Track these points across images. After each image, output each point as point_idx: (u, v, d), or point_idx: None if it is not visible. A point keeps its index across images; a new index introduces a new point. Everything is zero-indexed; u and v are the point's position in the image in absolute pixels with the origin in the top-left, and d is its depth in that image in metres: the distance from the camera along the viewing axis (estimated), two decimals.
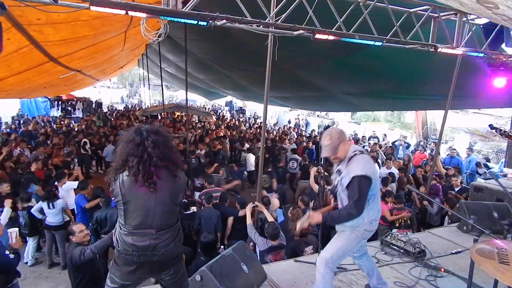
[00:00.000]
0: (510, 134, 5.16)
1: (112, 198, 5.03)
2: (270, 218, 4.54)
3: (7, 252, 3.61)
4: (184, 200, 5.49)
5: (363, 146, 13.34)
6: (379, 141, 14.55)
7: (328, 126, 6.62)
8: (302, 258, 4.05)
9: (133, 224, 2.32)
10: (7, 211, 5.03)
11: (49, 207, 5.60)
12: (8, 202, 5.15)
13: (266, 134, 8.64)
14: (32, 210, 5.64)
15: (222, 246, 5.18)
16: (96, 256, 3.96)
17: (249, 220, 4.59)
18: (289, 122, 22.72)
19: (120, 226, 2.38)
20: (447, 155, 10.85)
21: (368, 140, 15.11)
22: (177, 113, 19.20)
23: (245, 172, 10.28)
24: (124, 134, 2.51)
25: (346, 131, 2.80)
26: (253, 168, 10.09)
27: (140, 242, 2.32)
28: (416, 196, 6.67)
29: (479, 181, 7.05)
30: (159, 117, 17.15)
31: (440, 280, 3.56)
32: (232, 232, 5.53)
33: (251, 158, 10.27)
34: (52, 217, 5.68)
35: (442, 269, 3.73)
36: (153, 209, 2.32)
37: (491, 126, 5.52)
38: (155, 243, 2.34)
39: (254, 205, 4.80)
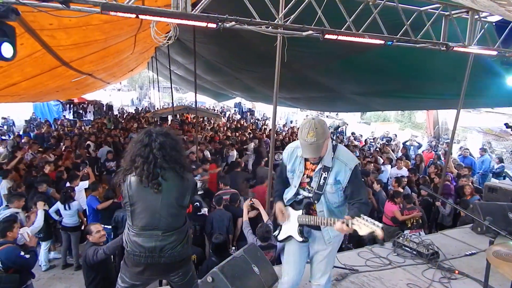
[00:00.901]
0: None
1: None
2: (265, 217, 4.55)
3: (22, 253, 3.68)
4: (197, 203, 5.50)
5: (375, 147, 13.24)
6: (391, 141, 14.41)
7: (338, 127, 6.55)
8: None
9: (140, 225, 2.35)
10: (41, 213, 5.11)
11: (65, 208, 5.69)
12: (41, 204, 5.24)
13: (275, 135, 8.61)
14: (50, 211, 5.71)
15: (233, 247, 5.19)
16: (110, 257, 4.03)
17: (245, 217, 4.60)
18: (291, 122, 22.72)
19: (128, 227, 2.42)
20: (459, 155, 10.69)
21: (382, 140, 14.99)
22: (187, 115, 19.29)
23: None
24: (135, 136, 2.54)
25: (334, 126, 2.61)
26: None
27: (147, 243, 2.35)
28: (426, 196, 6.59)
29: (493, 181, 6.91)
30: (169, 119, 17.26)
31: (454, 283, 3.51)
32: (242, 233, 5.53)
33: (234, 154, 10.33)
34: (68, 218, 5.77)
35: (457, 271, 3.67)
36: (159, 210, 2.34)
37: (507, 125, 5.41)
38: (162, 244, 2.36)
39: (252, 202, 4.82)
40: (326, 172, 2.49)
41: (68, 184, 6.39)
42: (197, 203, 5.52)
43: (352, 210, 2.41)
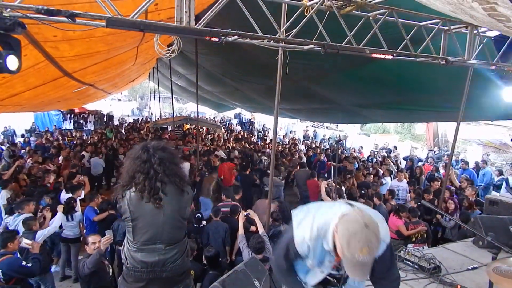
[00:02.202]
0: None
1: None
2: (260, 229, 4.52)
3: (23, 263, 3.68)
4: (198, 214, 5.49)
5: (375, 158, 13.22)
6: (390, 153, 14.42)
7: (340, 140, 6.54)
8: None
9: (142, 240, 2.35)
10: (60, 215, 5.19)
11: (67, 220, 5.64)
12: (60, 207, 5.36)
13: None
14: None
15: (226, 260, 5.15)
16: (104, 269, 4.02)
17: (240, 230, 4.57)
18: (290, 132, 22.76)
19: (129, 243, 2.40)
20: (459, 168, 10.69)
21: (382, 151, 15.00)
22: (187, 126, 19.32)
23: None
24: (131, 151, 2.54)
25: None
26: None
27: (149, 258, 2.34)
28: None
29: (494, 194, 6.90)
30: (169, 130, 17.28)
31: None
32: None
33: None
34: (70, 230, 5.73)
35: (459, 286, 3.63)
36: (161, 224, 2.35)
37: None
38: (164, 258, 2.36)
39: (247, 213, 4.80)
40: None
41: (64, 194, 6.33)
42: (199, 215, 5.51)
43: None
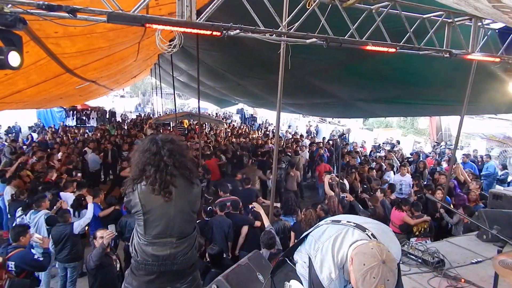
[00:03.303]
0: None
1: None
2: (266, 222, 4.54)
3: (36, 256, 3.90)
4: (210, 207, 5.49)
5: (379, 152, 13.16)
6: (393, 148, 14.38)
7: (343, 134, 6.51)
8: None
9: (154, 233, 2.34)
10: (91, 206, 5.37)
11: (74, 215, 5.66)
12: (90, 198, 5.53)
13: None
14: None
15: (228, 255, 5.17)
16: (111, 263, 4.07)
17: (266, 222, 4.58)
18: (289, 127, 22.68)
19: (139, 237, 2.39)
20: (460, 162, 10.64)
21: (385, 146, 14.94)
22: (185, 121, 19.22)
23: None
24: (139, 143, 2.54)
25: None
26: None
27: (161, 252, 2.34)
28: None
29: (498, 188, 6.87)
30: (171, 125, 17.30)
31: None
32: (245, 242, 5.51)
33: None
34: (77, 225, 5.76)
35: (463, 280, 3.62)
36: (172, 217, 2.34)
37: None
38: (175, 251, 2.36)
39: (252, 206, 4.81)
40: None
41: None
42: (210, 207, 5.53)
43: None
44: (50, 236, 5.01)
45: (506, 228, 4.28)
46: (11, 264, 3.75)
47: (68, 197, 6.10)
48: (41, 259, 3.89)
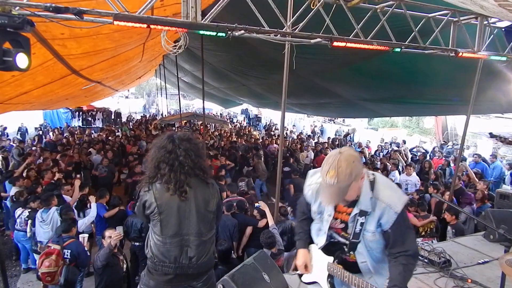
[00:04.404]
0: (510, 140, 4.96)
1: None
2: (270, 221, 4.54)
3: (86, 248, 4.33)
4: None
5: (387, 152, 13.09)
6: (398, 147, 14.30)
7: (348, 134, 6.50)
8: None
9: (170, 233, 2.33)
10: (94, 206, 5.50)
11: (78, 216, 5.71)
12: (93, 198, 5.62)
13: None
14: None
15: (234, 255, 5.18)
16: (118, 263, 4.11)
17: (270, 221, 4.58)
18: (294, 126, 22.63)
19: (156, 237, 2.37)
20: (471, 161, 10.55)
21: (390, 145, 14.86)
22: (184, 121, 19.11)
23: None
24: (156, 140, 2.50)
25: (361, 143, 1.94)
26: None
27: (177, 252, 2.34)
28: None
29: (505, 188, 6.81)
30: (176, 126, 17.34)
31: None
32: (249, 242, 5.53)
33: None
34: (84, 226, 5.80)
35: (469, 280, 3.61)
36: (188, 217, 2.34)
37: (491, 134, 5.33)
38: (191, 253, 2.35)
39: (258, 205, 4.81)
40: (364, 217, 1.94)
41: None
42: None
43: (395, 269, 1.90)
44: (56, 235, 5.06)
45: None
46: (67, 252, 4.15)
47: (65, 199, 6.11)
48: (88, 253, 4.20)
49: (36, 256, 5.53)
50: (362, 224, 1.96)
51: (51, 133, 15.31)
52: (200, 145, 2.54)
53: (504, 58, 4.95)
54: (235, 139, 14.45)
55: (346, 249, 2.10)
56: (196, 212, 2.35)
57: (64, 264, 4.00)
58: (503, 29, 5.03)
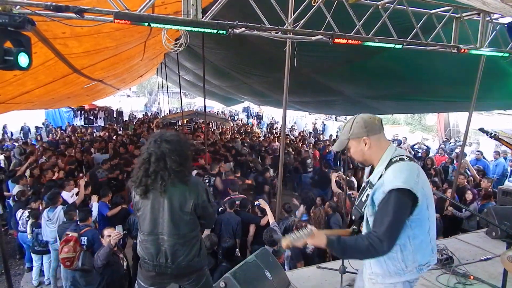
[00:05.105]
0: (500, 137, 4.95)
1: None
2: (271, 219, 4.54)
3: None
4: (221, 208, 5.51)
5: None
6: (400, 144, 14.26)
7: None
8: (326, 264, 4.01)
9: (145, 231, 2.45)
10: (95, 205, 5.59)
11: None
12: (95, 198, 5.72)
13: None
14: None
15: (237, 250, 5.18)
16: (119, 261, 4.13)
17: (271, 219, 4.58)
18: (295, 123, 22.54)
19: (139, 233, 2.53)
20: (473, 158, 10.51)
21: (392, 142, 14.79)
22: (185, 120, 19.05)
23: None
24: (148, 138, 2.61)
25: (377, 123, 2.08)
26: None
27: (152, 250, 2.43)
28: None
29: (507, 184, 6.79)
30: (178, 124, 17.37)
31: None
32: (254, 239, 5.54)
33: None
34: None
35: (471, 277, 3.61)
36: (161, 216, 2.41)
37: (482, 130, 5.31)
38: (166, 253, 2.41)
39: (258, 203, 4.82)
40: (370, 190, 1.99)
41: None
42: (222, 208, 5.57)
43: (354, 237, 2.03)
44: (56, 234, 5.08)
45: None
46: (84, 239, 4.41)
47: (68, 197, 6.14)
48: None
49: (34, 256, 5.66)
50: (367, 196, 1.99)
51: (58, 134, 15.32)
52: (185, 145, 2.53)
53: (506, 55, 4.92)
54: (235, 137, 14.37)
55: (353, 217, 2.15)
56: (169, 213, 2.40)
57: (81, 250, 4.23)
58: (505, 25, 4.98)
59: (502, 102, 7.94)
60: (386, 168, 1.93)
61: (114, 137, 13.64)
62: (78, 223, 4.74)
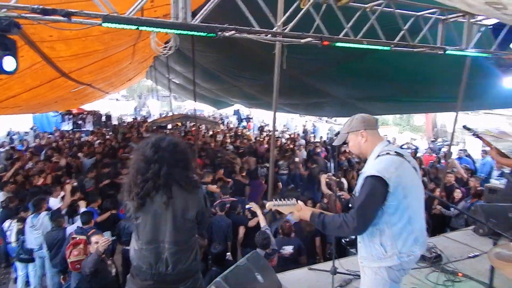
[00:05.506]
0: (480, 135, 5.07)
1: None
2: (262, 222, 4.54)
3: None
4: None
5: None
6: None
7: (338, 132, 6.52)
8: (317, 266, 4.02)
9: (145, 239, 2.33)
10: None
11: (68, 222, 5.61)
12: (83, 203, 5.57)
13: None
14: None
15: (228, 253, 5.16)
16: (107, 268, 4.06)
17: (262, 222, 4.58)
18: (284, 125, 22.64)
19: (135, 242, 2.40)
20: (456, 157, 10.69)
21: None
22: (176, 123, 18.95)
23: None
24: (142, 143, 2.46)
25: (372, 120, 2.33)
26: None
27: (153, 259, 2.32)
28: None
29: (493, 182, 6.92)
30: (169, 127, 17.24)
31: (458, 285, 3.51)
32: (244, 241, 5.53)
33: None
34: (70, 230, 5.70)
35: (460, 274, 3.66)
36: (163, 225, 2.32)
37: (465, 127, 5.43)
38: (167, 260, 2.33)
39: (249, 206, 4.82)
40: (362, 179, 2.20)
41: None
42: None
43: (334, 214, 2.26)
44: (44, 241, 4.98)
45: (502, 222, 4.32)
46: None
47: (54, 203, 6.03)
48: None
49: (19, 264, 5.48)
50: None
51: (45, 139, 15.03)
52: (186, 152, 2.47)
53: (491, 55, 5.03)
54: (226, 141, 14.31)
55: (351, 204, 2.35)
56: (172, 221, 2.32)
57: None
58: (490, 27, 5.11)
59: (488, 102, 8.08)
60: (376, 158, 2.17)
61: (102, 142, 13.42)
62: (82, 226, 4.73)
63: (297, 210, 2.28)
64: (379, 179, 2.02)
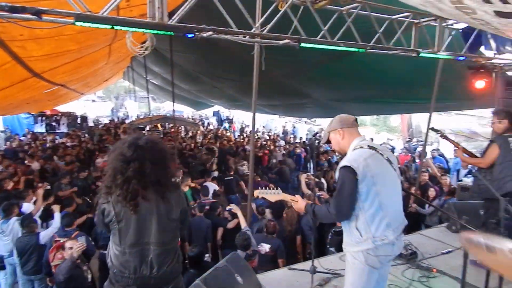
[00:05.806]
0: (446, 136, 5.28)
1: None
2: (243, 223, 4.54)
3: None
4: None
5: None
6: None
7: (317, 133, 6.63)
8: (296, 265, 4.04)
9: (128, 243, 2.24)
10: (58, 215, 5.15)
11: (42, 226, 5.40)
12: (56, 207, 5.31)
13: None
14: None
15: (207, 255, 5.12)
16: (82, 274, 3.92)
17: (243, 223, 4.56)
18: (263, 127, 22.73)
19: (115, 247, 2.29)
20: (430, 156, 11.01)
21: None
22: (158, 125, 18.71)
23: None
24: (119, 143, 2.34)
25: (350, 119, 2.52)
26: None
27: (136, 262, 2.24)
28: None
29: (465, 180, 7.16)
30: (146, 129, 16.95)
31: (433, 281, 3.60)
32: (224, 243, 5.50)
33: None
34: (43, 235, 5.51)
35: (434, 270, 3.77)
36: (148, 226, 2.25)
37: (432, 129, 5.64)
38: (152, 262, 2.26)
39: (230, 208, 4.81)
40: None
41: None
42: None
43: (323, 205, 2.52)
44: (15, 247, 4.78)
45: (474, 219, 4.48)
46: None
47: (28, 207, 5.74)
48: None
49: None
50: None
51: (16, 141, 14.41)
52: (165, 151, 2.40)
53: (461, 58, 5.23)
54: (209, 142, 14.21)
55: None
56: (157, 221, 2.26)
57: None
58: (460, 31, 5.31)
59: (459, 103, 8.40)
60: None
61: (77, 144, 13.04)
62: (65, 228, 4.71)
63: (294, 203, 2.64)
64: (348, 168, 2.23)
